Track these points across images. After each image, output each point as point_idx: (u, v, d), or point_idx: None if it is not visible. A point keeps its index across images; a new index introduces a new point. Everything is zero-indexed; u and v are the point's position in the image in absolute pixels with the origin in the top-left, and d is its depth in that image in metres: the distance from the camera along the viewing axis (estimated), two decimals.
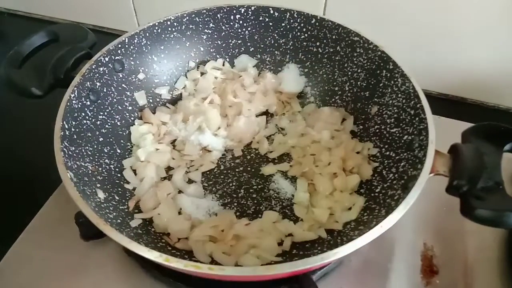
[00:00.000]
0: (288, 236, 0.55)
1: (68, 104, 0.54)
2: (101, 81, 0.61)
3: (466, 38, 0.75)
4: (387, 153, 0.58)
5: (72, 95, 0.55)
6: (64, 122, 0.52)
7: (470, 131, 0.53)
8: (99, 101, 0.60)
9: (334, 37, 0.66)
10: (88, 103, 0.58)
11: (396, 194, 0.50)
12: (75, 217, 0.54)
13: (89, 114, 0.58)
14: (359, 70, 0.65)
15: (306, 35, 0.69)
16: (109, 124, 0.62)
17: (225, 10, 0.69)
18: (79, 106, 0.56)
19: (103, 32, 1.06)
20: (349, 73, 0.66)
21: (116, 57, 0.63)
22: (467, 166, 0.47)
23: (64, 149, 0.50)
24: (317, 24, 0.67)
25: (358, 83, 0.65)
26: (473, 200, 0.45)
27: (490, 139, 0.51)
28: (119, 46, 0.63)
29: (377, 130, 0.61)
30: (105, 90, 0.61)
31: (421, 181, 0.46)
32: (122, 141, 0.63)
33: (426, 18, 0.75)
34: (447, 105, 0.85)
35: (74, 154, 0.52)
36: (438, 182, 0.48)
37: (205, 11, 0.68)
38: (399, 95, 0.58)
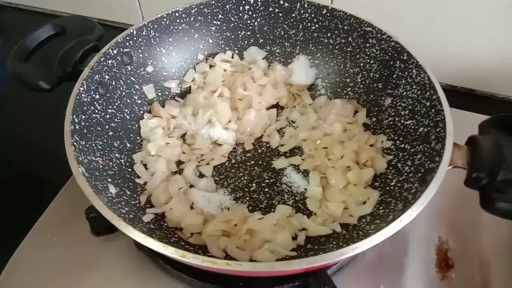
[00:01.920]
0: (302, 230, 0.54)
1: (78, 97, 0.53)
2: (110, 74, 0.60)
3: (474, 30, 0.74)
4: (402, 145, 0.57)
5: (81, 88, 0.54)
6: (74, 116, 0.51)
7: (487, 123, 0.52)
8: (108, 94, 0.59)
9: (345, 27, 0.65)
10: (97, 96, 0.57)
11: (413, 188, 0.49)
12: (86, 212, 0.53)
13: (98, 108, 0.57)
14: (371, 61, 0.63)
15: (316, 26, 0.67)
16: (118, 118, 0.61)
17: (234, 1, 0.68)
18: (89, 99, 0.55)
19: (107, 25, 1.05)
20: (361, 64, 0.65)
21: (125, 50, 0.62)
22: (486, 158, 0.46)
23: (75, 143, 0.49)
24: (328, 14, 0.65)
25: (371, 74, 0.64)
26: (493, 193, 0.45)
27: (508, 131, 0.50)
28: (127, 38, 0.62)
29: (391, 123, 0.60)
30: (113, 83, 0.60)
31: (440, 173, 0.45)
32: (131, 135, 0.62)
33: (434, 9, 0.74)
34: (456, 96, 0.83)
35: (85, 149, 0.51)
36: (452, 175, 0.47)
37: (214, 2, 0.67)
38: (414, 87, 0.57)
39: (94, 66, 0.57)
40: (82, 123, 0.53)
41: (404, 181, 0.53)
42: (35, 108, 0.83)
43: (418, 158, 0.52)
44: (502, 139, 0.49)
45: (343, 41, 0.66)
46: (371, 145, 0.61)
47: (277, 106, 0.70)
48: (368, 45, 0.63)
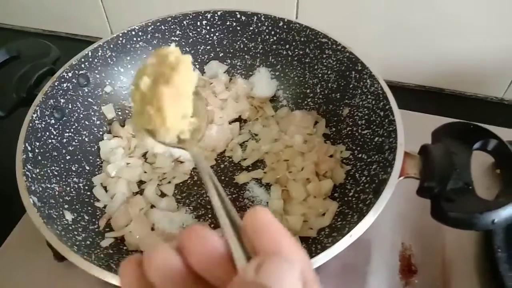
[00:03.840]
0: None
1: (31, 125, 0.52)
2: (66, 97, 0.59)
3: (441, 30, 0.75)
4: (360, 155, 0.58)
5: (35, 115, 0.53)
6: (27, 144, 0.51)
7: (440, 131, 0.52)
8: (65, 118, 0.59)
9: (302, 39, 0.65)
10: (53, 121, 0.57)
11: (368, 199, 0.50)
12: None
13: (54, 133, 0.57)
14: (329, 72, 0.64)
15: (274, 38, 0.68)
16: (76, 141, 0.60)
17: (191, 16, 0.67)
18: (43, 125, 0.55)
19: (76, 40, 1.04)
20: (320, 75, 0.65)
21: (80, 72, 0.61)
22: (436, 167, 0.47)
23: (27, 172, 0.48)
24: (285, 26, 0.66)
25: (329, 84, 0.64)
26: (443, 203, 0.45)
27: (460, 138, 0.51)
28: (83, 60, 0.61)
29: (349, 132, 0.61)
30: (70, 107, 0.60)
31: (391, 185, 0.46)
32: (91, 157, 0.62)
33: (401, 11, 0.74)
34: (425, 96, 0.85)
35: (39, 176, 0.51)
36: (415, 181, 0.48)
37: (170, 18, 0.67)
38: (369, 96, 0.57)
39: (48, 91, 0.56)
40: (36, 150, 0.52)
41: (360, 191, 0.53)
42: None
43: (374, 168, 0.53)
44: (453, 146, 0.50)
45: (301, 52, 0.66)
46: (330, 156, 0.61)
47: (239, 119, 0.70)
48: (324, 56, 0.63)
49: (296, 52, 0.67)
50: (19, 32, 1.08)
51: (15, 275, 0.57)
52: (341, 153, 0.60)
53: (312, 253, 0.49)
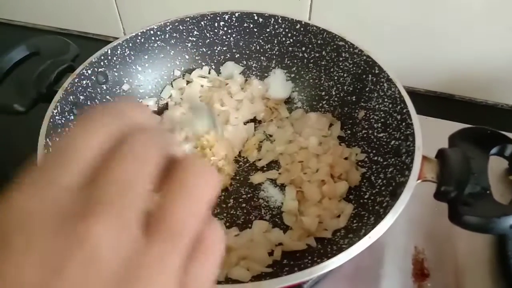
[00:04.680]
0: (278, 245, 0.54)
1: (51, 120, 0.53)
2: (85, 94, 0.60)
3: (452, 35, 0.75)
4: (375, 158, 0.58)
5: (55, 111, 0.54)
6: (48, 140, 0.51)
7: (457, 135, 0.53)
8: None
9: (319, 42, 0.65)
10: (72, 117, 0.57)
11: (385, 201, 0.50)
12: None
13: None
14: (345, 75, 0.64)
15: (291, 40, 0.68)
16: None
17: (208, 17, 0.68)
18: (63, 121, 0.55)
19: (88, 38, 1.05)
20: (335, 77, 0.66)
21: (99, 69, 0.62)
22: (454, 171, 0.47)
23: None
24: (302, 29, 0.66)
25: (345, 87, 0.65)
26: (460, 207, 0.45)
27: (477, 142, 0.51)
28: (102, 58, 0.62)
29: (365, 135, 0.61)
30: (89, 103, 0.61)
31: (409, 188, 0.46)
32: None
33: (412, 16, 0.75)
34: (436, 102, 0.86)
35: None
36: (428, 185, 0.48)
37: (188, 19, 0.68)
38: (386, 100, 0.58)
39: (68, 88, 0.57)
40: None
41: (376, 194, 0.54)
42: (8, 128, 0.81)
43: (390, 171, 0.53)
44: (470, 151, 0.50)
45: (317, 55, 0.67)
46: (345, 158, 0.61)
47: (254, 120, 0.71)
48: (341, 58, 0.64)
49: (312, 55, 0.67)
50: (31, 30, 1.09)
51: None
52: (356, 155, 0.61)
53: (328, 254, 0.50)
